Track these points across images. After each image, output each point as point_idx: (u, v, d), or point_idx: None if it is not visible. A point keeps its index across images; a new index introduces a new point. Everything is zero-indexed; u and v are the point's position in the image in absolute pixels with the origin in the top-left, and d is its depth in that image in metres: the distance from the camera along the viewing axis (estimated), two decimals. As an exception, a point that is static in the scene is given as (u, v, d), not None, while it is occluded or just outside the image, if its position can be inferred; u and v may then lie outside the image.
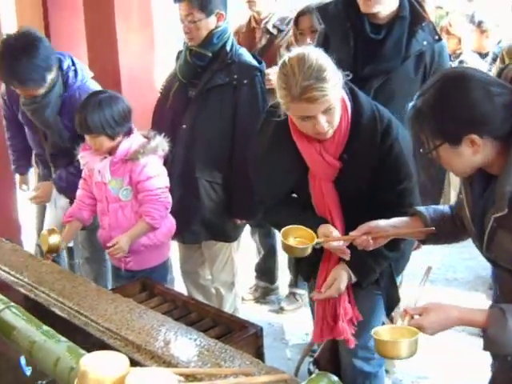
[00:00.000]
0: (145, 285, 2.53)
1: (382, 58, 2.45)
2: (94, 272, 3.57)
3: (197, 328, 1.89)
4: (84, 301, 2.00)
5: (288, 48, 3.67)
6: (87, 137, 2.68)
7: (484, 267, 3.31)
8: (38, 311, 1.95)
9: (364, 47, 2.47)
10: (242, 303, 3.86)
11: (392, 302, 2.27)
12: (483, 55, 4.79)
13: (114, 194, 2.72)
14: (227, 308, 3.14)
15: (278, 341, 3.55)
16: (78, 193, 2.88)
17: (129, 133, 2.71)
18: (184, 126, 2.96)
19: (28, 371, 1.74)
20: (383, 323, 2.62)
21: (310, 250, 1.99)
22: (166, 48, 5.36)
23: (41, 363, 1.43)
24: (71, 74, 3.11)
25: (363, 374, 2.36)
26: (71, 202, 3.02)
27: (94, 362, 1.17)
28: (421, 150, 1.59)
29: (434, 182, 2.47)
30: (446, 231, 1.87)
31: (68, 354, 1.37)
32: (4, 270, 2.25)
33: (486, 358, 1.87)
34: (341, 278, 2.12)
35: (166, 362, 1.62)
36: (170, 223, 2.83)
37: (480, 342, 1.84)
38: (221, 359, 1.62)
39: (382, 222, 1.92)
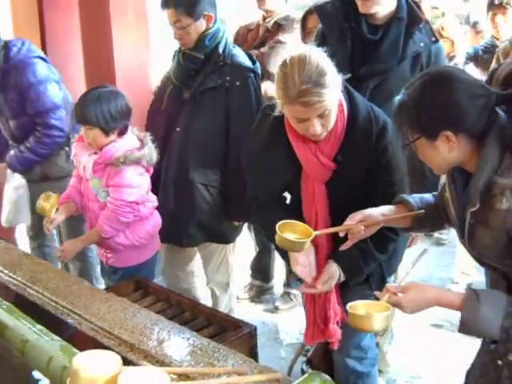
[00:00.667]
0: (139, 284, 2.53)
1: (379, 59, 2.45)
2: (76, 270, 3.58)
3: (190, 327, 1.89)
4: (77, 300, 2.00)
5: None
6: (82, 128, 2.68)
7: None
8: (32, 310, 1.95)
9: (361, 47, 2.47)
10: (236, 302, 3.87)
11: None
12: None
13: (93, 193, 2.73)
14: (222, 308, 3.13)
15: (272, 340, 3.56)
16: (71, 181, 2.89)
17: (124, 132, 2.70)
18: (178, 129, 2.95)
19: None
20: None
21: (307, 244, 1.98)
22: (161, 46, 5.36)
23: (33, 362, 1.43)
24: (15, 48, 3.16)
25: (356, 373, 2.36)
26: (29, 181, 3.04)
27: (86, 361, 1.17)
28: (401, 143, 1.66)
29: (422, 173, 2.46)
30: (431, 219, 1.93)
31: (61, 352, 1.37)
32: (-3, 269, 2.25)
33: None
34: (334, 276, 2.13)
35: (160, 361, 1.62)
36: (150, 226, 2.82)
37: (474, 341, 1.86)
38: (214, 358, 1.62)
39: (373, 211, 1.95)
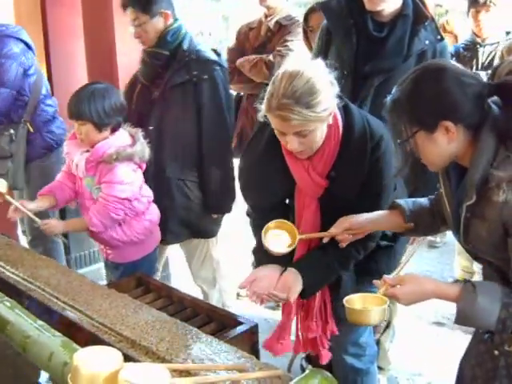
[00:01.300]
0: (140, 280, 2.53)
1: (384, 56, 2.44)
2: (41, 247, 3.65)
3: (192, 324, 1.89)
4: (79, 296, 2.00)
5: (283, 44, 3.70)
6: (75, 124, 2.67)
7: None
8: (33, 305, 1.95)
9: (366, 44, 2.46)
10: (237, 299, 3.88)
11: None
12: None
13: (88, 191, 2.73)
14: (214, 304, 3.14)
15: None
16: (59, 175, 2.89)
17: (117, 128, 2.70)
18: (151, 128, 2.98)
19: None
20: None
21: (291, 248, 2.03)
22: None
23: (35, 358, 1.43)
24: (4, 28, 3.35)
25: (354, 370, 2.36)
26: None
27: (87, 357, 1.17)
28: (398, 141, 1.63)
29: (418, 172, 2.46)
30: (424, 223, 1.94)
31: (62, 348, 1.37)
32: (-1, 265, 2.26)
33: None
34: (298, 285, 2.07)
35: (161, 357, 1.62)
36: (148, 221, 2.82)
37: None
38: (215, 355, 1.62)
39: (361, 218, 1.96)
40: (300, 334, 2.28)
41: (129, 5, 2.91)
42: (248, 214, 2.32)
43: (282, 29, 3.82)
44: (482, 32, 3.83)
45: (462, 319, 1.58)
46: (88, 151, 2.68)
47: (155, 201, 2.92)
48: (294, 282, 2.06)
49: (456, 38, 5.01)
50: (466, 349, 1.87)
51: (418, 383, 3.11)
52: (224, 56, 3.14)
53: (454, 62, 3.90)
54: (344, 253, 2.06)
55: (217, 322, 2.17)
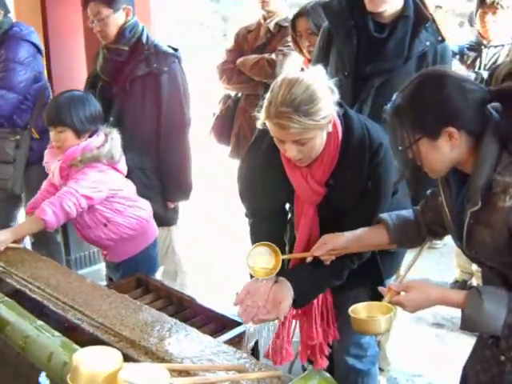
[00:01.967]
0: (140, 281, 2.53)
1: (385, 57, 2.42)
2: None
3: (191, 324, 1.89)
4: (79, 296, 2.00)
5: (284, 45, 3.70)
6: (51, 133, 2.66)
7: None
8: (33, 306, 1.95)
9: (367, 45, 2.45)
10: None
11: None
12: None
13: None
14: None
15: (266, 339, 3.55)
16: (43, 185, 2.85)
17: (92, 135, 2.66)
18: (111, 119, 3.04)
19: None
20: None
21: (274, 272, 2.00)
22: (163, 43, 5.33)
23: (34, 358, 1.43)
24: (17, 29, 3.45)
25: (355, 371, 2.36)
26: None
27: (87, 357, 1.17)
28: (399, 148, 1.62)
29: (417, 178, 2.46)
30: (410, 238, 1.94)
31: (61, 348, 1.38)
32: (-1, 265, 2.26)
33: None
34: (289, 299, 1.99)
35: (160, 357, 1.62)
36: (135, 219, 2.77)
37: (475, 340, 1.86)
38: (214, 355, 1.62)
39: (345, 239, 1.96)
40: (300, 340, 2.28)
41: (91, 0, 2.99)
42: (247, 217, 2.31)
43: (281, 30, 3.82)
44: (488, 34, 3.82)
45: (468, 325, 1.58)
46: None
47: None
48: (284, 295, 1.99)
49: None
50: (470, 353, 1.86)
51: (417, 384, 3.11)
52: (181, 52, 3.21)
53: (456, 61, 3.91)
54: (338, 263, 2.04)
55: (216, 323, 2.17)
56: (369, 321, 1.64)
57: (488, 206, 1.55)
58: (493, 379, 1.70)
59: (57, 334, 1.44)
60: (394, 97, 1.64)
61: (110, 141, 2.66)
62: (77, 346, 1.37)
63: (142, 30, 3.11)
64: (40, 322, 1.51)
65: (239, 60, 3.79)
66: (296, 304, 2.06)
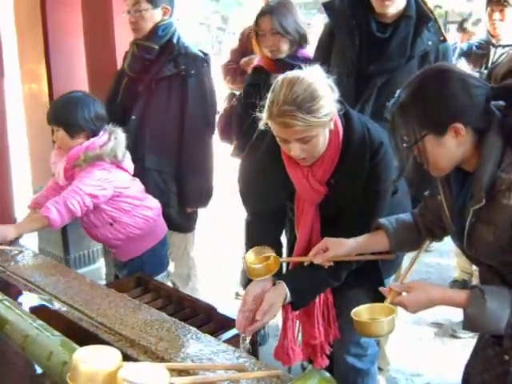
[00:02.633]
0: (139, 280, 2.53)
1: (387, 57, 2.43)
2: None
3: (190, 324, 1.89)
4: (78, 295, 2.00)
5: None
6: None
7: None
8: (32, 305, 1.96)
9: (369, 45, 2.45)
10: (236, 299, 3.88)
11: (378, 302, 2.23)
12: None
13: None
14: None
15: (273, 337, 3.55)
16: (48, 183, 2.88)
17: (93, 136, 2.66)
18: (133, 117, 3.02)
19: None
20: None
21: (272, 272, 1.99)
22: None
23: (33, 357, 1.43)
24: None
25: (355, 370, 2.36)
26: None
27: (86, 357, 1.17)
28: (404, 145, 1.61)
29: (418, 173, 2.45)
30: (409, 241, 1.94)
31: (61, 348, 1.37)
32: (-2, 264, 2.26)
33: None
34: (277, 303, 1.98)
35: (160, 357, 1.62)
36: (141, 218, 2.77)
37: (474, 340, 1.86)
38: (214, 355, 1.62)
39: (347, 248, 1.94)
40: (301, 339, 2.27)
41: None
42: (247, 216, 2.31)
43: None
44: (497, 32, 3.81)
45: (470, 325, 1.58)
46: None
47: None
48: (273, 299, 1.96)
49: None
50: (472, 353, 1.85)
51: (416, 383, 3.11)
52: (212, 58, 3.18)
53: (463, 60, 3.90)
54: (336, 265, 2.02)
55: (216, 322, 2.17)
56: (371, 323, 1.63)
57: (491, 203, 1.54)
58: (497, 379, 1.69)
59: (56, 333, 1.44)
60: (397, 93, 1.63)
61: (113, 140, 2.66)
62: (76, 345, 1.36)
63: (175, 30, 3.06)
64: (40, 322, 1.51)
65: (243, 60, 3.79)
66: (295, 306, 2.06)
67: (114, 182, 2.65)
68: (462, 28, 5.03)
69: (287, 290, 1.98)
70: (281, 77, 1.91)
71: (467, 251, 1.67)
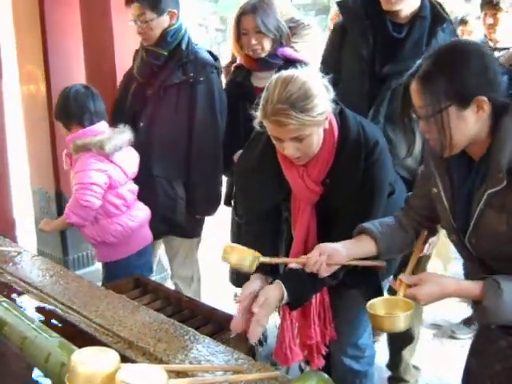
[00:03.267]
0: (138, 282, 2.53)
1: (401, 58, 2.39)
2: None
3: (189, 325, 1.89)
4: (76, 297, 2.00)
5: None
6: None
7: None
8: (30, 307, 1.95)
9: (384, 46, 2.43)
10: (234, 300, 3.88)
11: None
12: None
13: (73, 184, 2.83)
14: None
15: (272, 339, 3.55)
16: None
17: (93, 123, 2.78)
18: (142, 124, 3.01)
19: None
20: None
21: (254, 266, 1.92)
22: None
23: (32, 358, 1.43)
24: None
25: (353, 372, 2.35)
26: None
27: (84, 358, 1.17)
28: (421, 116, 1.57)
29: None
30: (398, 243, 1.90)
31: (59, 349, 1.37)
32: (-3, 266, 2.26)
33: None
34: (272, 298, 1.94)
35: (158, 358, 1.62)
36: (120, 226, 2.80)
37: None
38: (212, 356, 1.62)
39: (340, 255, 1.87)
40: (298, 340, 2.26)
41: (136, 0, 2.91)
42: (242, 216, 2.30)
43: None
44: (492, 36, 3.82)
45: (485, 317, 1.56)
46: None
47: (139, 198, 2.93)
48: (271, 294, 1.95)
49: None
50: (474, 349, 1.82)
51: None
52: (220, 59, 3.15)
53: None
54: None
55: (214, 324, 2.17)
56: (388, 318, 1.59)
57: (507, 188, 1.52)
58: (510, 369, 1.68)
59: (54, 334, 1.44)
60: (417, 64, 1.60)
61: (107, 134, 2.75)
62: (74, 347, 1.36)
63: (184, 34, 3.01)
64: (38, 323, 1.51)
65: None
66: (292, 305, 2.05)
67: (107, 171, 2.73)
68: (463, 21, 5.01)
69: (284, 289, 1.96)
70: (275, 76, 1.91)
71: (466, 242, 1.65)
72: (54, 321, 1.86)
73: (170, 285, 3.57)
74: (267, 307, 1.91)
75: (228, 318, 2.18)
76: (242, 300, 1.96)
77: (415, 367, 2.99)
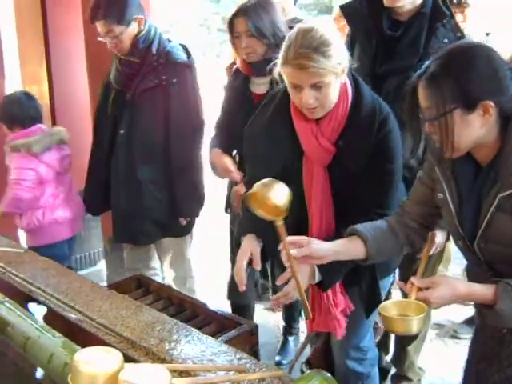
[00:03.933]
0: (140, 282, 2.53)
1: (398, 56, 2.39)
2: None
3: (192, 325, 1.89)
4: (79, 297, 2.00)
5: None
6: None
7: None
8: (33, 307, 1.95)
9: (383, 45, 2.43)
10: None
11: (371, 304, 2.20)
12: None
13: None
14: None
15: (274, 339, 3.56)
16: None
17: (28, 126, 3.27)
18: (122, 132, 3.01)
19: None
20: (375, 323, 2.63)
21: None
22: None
23: (35, 359, 1.43)
24: None
25: (356, 374, 2.35)
26: None
27: (87, 358, 1.17)
28: (427, 118, 1.57)
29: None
30: (388, 247, 1.87)
31: (62, 349, 1.37)
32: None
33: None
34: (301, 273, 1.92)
35: (161, 358, 1.62)
36: (40, 216, 3.30)
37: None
38: (215, 356, 1.62)
39: (323, 250, 1.82)
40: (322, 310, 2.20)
41: (101, 18, 2.85)
42: (247, 183, 2.27)
43: (288, 31, 3.83)
44: (464, 32, 3.84)
45: (499, 319, 1.56)
46: None
47: (126, 203, 2.98)
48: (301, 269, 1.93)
49: None
50: (483, 353, 1.81)
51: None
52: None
53: None
54: None
55: (217, 323, 2.17)
56: (401, 320, 1.57)
57: None
58: None
59: (58, 334, 1.44)
60: (425, 65, 1.59)
61: (37, 136, 3.23)
62: (77, 347, 1.36)
63: (154, 36, 2.96)
64: (41, 323, 1.51)
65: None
66: (324, 286, 2.04)
67: (35, 168, 3.23)
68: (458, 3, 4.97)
69: (316, 268, 1.97)
70: (295, 28, 1.95)
71: (475, 247, 1.64)
72: (56, 321, 1.86)
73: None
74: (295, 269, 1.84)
75: (230, 318, 2.19)
76: (240, 271, 2.01)
77: (420, 368, 2.99)
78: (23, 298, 2.02)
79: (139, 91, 2.95)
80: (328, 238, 2.00)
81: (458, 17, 3.75)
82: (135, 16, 2.89)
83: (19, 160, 3.22)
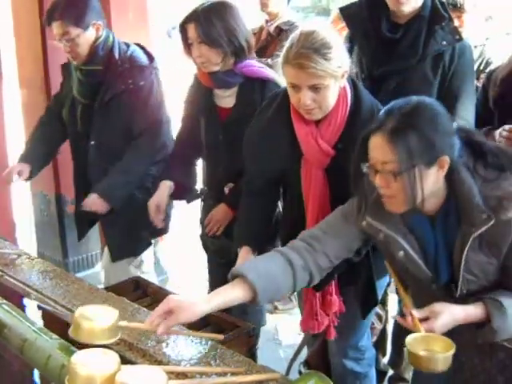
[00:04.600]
0: (138, 284, 2.53)
1: (397, 58, 2.39)
2: None
3: (188, 327, 1.89)
4: (76, 299, 2.00)
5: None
6: None
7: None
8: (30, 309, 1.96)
9: (381, 47, 2.43)
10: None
11: (367, 304, 2.22)
12: None
13: None
14: None
15: (271, 341, 3.55)
16: None
17: None
18: (92, 143, 2.92)
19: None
20: (372, 323, 2.63)
21: None
22: (161, 46, 5.35)
23: (32, 361, 1.43)
24: None
25: (353, 374, 2.35)
26: None
27: (84, 360, 1.17)
28: (400, 171, 1.57)
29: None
30: (279, 286, 1.71)
31: (59, 351, 1.38)
32: (-3, 268, 2.26)
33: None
34: None
35: (158, 360, 1.62)
36: None
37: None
38: (212, 358, 1.62)
39: (192, 314, 1.54)
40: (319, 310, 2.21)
41: (58, 19, 2.74)
42: (246, 184, 2.28)
43: (281, 33, 3.84)
44: (462, 36, 3.85)
45: (496, 335, 1.60)
46: None
47: (117, 214, 2.90)
48: None
49: None
50: (463, 363, 1.80)
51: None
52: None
53: None
54: None
55: (214, 325, 2.17)
56: (427, 358, 1.53)
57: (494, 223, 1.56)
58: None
59: (54, 336, 1.44)
60: (380, 118, 1.62)
61: None
62: (74, 349, 1.37)
63: (113, 43, 2.87)
64: (38, 325, 1.51)
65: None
66: (319, 286, 2.02)
67: None
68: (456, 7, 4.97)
69: None
70: (297, 31, 1.98)
71: (452, 287, 1.68)
72: (54, 323, 1.86)
73: (169, 287, 3.57)
74: None
75: (228, 320, 2.19)
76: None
77: None
78: (20, 300, 2.02)
79: (107, 99, 2.86)
80: None
81: (456, 22, 3.77)
82: (94, 21, 2.80)
83: None
